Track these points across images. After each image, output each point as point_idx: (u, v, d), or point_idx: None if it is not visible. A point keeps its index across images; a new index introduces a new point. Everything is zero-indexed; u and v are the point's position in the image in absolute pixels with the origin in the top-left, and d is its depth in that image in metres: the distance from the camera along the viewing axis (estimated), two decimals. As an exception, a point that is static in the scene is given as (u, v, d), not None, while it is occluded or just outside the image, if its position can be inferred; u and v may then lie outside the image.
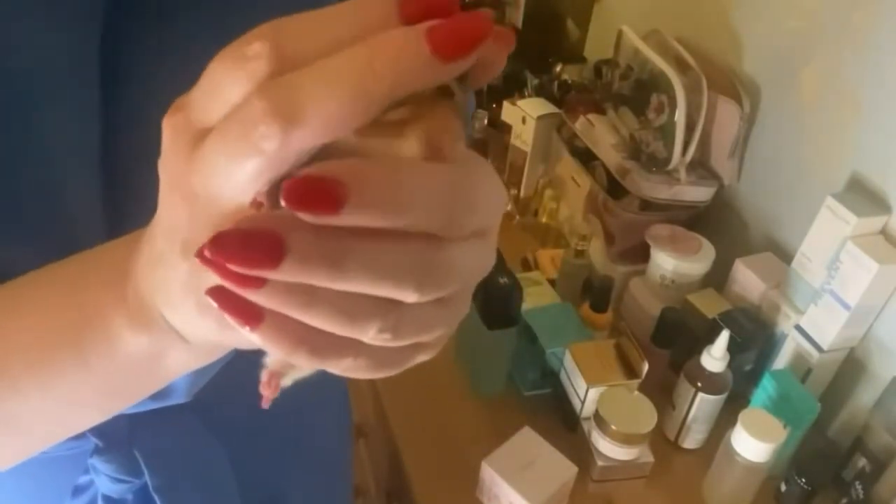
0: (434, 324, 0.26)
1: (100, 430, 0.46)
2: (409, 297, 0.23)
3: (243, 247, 0.21)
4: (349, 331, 0.23)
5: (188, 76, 0.24)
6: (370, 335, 0.24)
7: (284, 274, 0.21)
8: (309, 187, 0.21)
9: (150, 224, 0.27)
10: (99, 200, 0.37)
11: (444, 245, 0.23)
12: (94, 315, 0.30)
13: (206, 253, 0.21)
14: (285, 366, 0.31)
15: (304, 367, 0.31)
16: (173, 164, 0.24)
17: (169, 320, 0.28)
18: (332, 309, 0.23)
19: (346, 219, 0.21)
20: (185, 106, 0.24)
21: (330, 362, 0.25)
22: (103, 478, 0.47)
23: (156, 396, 0.31)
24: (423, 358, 0.27)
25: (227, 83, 0.22)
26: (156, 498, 0.48)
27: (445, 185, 0.22)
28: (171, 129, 0.24)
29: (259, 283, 0.22)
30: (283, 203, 0.21)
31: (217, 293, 0.23)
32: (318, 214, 0.21)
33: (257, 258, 0.21)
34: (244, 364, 0.33)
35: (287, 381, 0.31)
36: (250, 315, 0.23)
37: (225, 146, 0.22)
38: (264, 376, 0.31)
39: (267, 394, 0.30)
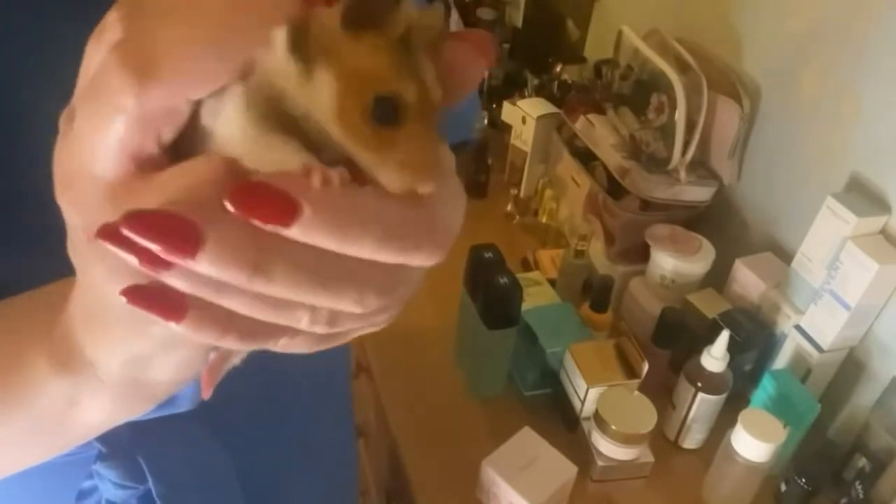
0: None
1: (104, 437, 0.45)
2: (351, 309, 0.22)
3: (162, 227, 0.20)
4: (278, 321, 0.22)
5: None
6: (303, 325, 0.23)
7: (200, 266, 0.20)
8: (262, 195, 0.20)
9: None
10: None
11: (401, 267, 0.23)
12: (23, 354, 0.29)
13: (122, 227, 0.20)
14: (224, 356, 0.31)
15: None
16: (58, 160, 0.23)
17: (89, 351, 0.27)
18: (254, 299, 0.22)
19: (296, 234, 0.20)
20: (73, 99, 0.23)
21: (263, 344, 0.24)
22: (107, 483, 0.47)
23: (161, 404, 0.31)
24: (376, 327, 0.26)
25: (91, 59, 0.22)
26: None
27: (413, 218, 0.22)
28: (60, 126, 0.23)
29: (170, 263, 0.21)
30: (228, 205, 0.20)
31: (132, 293, 0.21)
32: (266, 224, 0.20)
33: (173, 242, 0.20)
34: (249, 371, 0.33)
35: (236, 361, 0.31)
36: (171, 309, 0.22)
37: (87, 114, 0.21)
38: (203, 373, 0.30)
39: (205, 385, 0.30)
